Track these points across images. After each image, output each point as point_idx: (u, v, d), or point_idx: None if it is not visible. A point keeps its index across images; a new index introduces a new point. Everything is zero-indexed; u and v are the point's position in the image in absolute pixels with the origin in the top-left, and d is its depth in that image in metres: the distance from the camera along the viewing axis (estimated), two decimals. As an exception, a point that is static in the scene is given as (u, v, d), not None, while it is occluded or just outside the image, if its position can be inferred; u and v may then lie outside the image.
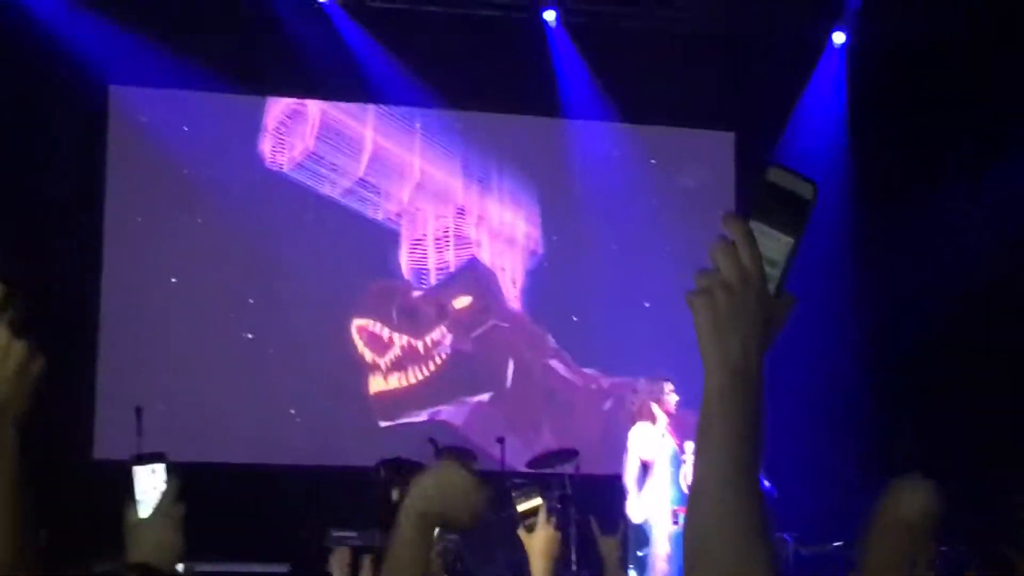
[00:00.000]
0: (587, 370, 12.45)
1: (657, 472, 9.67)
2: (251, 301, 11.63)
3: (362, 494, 9.76)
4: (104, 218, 11.49)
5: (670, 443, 9.76)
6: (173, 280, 10.69)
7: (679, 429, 9.78)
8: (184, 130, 11.67)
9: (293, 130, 11.95)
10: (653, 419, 9.72)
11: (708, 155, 12.74)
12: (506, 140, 12.39)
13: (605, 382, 12.36)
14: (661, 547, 9.67)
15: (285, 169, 11.90)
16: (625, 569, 9.57)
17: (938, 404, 11.46)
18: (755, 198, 1.62)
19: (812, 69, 12.51)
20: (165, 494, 2.97)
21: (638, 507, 9.73)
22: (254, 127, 11.91)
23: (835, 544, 9.86)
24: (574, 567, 10.46)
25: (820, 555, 9.95)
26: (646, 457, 9.68)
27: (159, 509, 2.95)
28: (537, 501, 4.28)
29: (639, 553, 9.73)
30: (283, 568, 10.07)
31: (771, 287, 1.60)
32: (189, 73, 11.36)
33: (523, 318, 12.43)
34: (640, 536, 9.74)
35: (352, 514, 9.58)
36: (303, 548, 10.17)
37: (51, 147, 11.15)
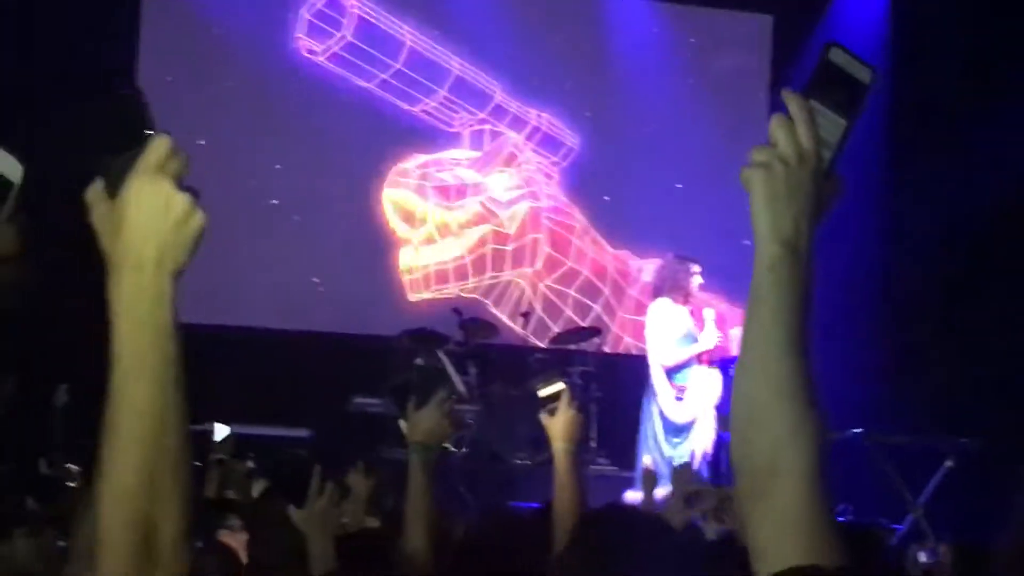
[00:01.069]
0: (619, 251, 12.43)
1: (684, 357, 9.58)
2: (278, 167, 11.59)
3: (385, 362, 9.81)
4: (137, 76, 11.44)
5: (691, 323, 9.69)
6: (201, 142, 10.65)
7: (698, 312, 9.74)
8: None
9: (332, 20, 11.80)
10: (677, 296, 9.63)
11: (746, 38, 12.60)
12: (543, 16, 12.25)
13: (635, 264, 12.35)
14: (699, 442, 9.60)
15: (321, 58, 11.79)
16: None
17: (961, 304, 11.41)
18: (813, 76, 1.62)
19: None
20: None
21: (672, 400, 9.61)
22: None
23: (854, 431, 9.89)
24: (593, 444, 10.54)
25: (840, 441, 9.98)
26: (668, 335, 9.60)
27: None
28: (559, 386, 4.41)
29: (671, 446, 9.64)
30: (304, 432, 10.18)
31: (822, 168, 1.62)
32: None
33: (557, 197, 12.40)
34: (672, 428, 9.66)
35: (375, 382, 9.66)
36: (325, 413, 10.29)
37: (85, 3, 11.07)
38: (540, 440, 9.97)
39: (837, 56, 1.62)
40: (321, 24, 11.78)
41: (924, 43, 11.82)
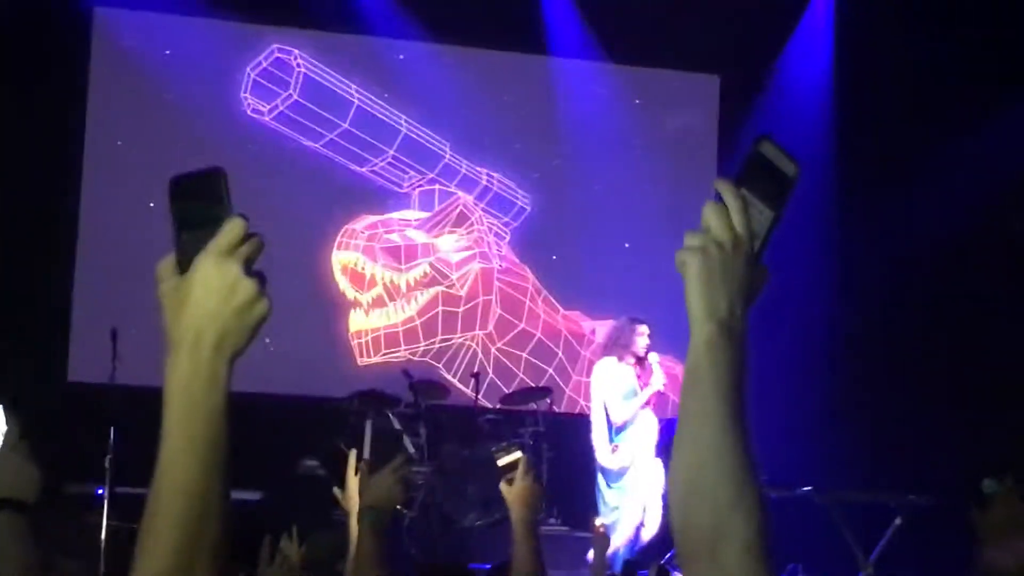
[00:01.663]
0: (571, 312, 12.46)
1: (631, 413, 9.63)
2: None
3: (336, 425, 9.77)
4: (85, 140, 11.43)
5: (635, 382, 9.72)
6: (151, 204, 10.63)
7: (646, 376, 9.76)
8: (167, 54, 11.58)
9: (277, 79, 11.84)
10: (623, 354, 9.67)
11: (693, 97, 12.72)
12: (491, 77, 12.33)
13: (588, 325, 12.38)
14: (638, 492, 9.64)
15: (267, 117, 11.81)
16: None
17: (909, 358, 11.51)
18: (744, 166, 1.68)
19: (801, 12, 12.43)
20: (8, 432, 3.03)
21: (608, 452, 9.68)
22: (240, 54, 11.82)
23: (804, 489, 9.91)
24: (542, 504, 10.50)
25: (788, 499, 10.00)
26: (611, 395, 9.62)
27: (6, 445, 2.99)
28: (517, 455, 4.45)
29: (611, 499, 9.67)
30: (254, 495, 10.10)
31: (753, 254, 1.68)
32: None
33: (508, 257, 12.43)
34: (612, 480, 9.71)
35: (324, 443, 9.59)
36: (275, 476, 10.21)
37: (34, 67, 11.05)
38: (492, 500, 10.04)
39: (767, 149, 1.68)
40: (267, 83, 11.81)
41: (868, 95, 12.01)
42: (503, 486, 4.42)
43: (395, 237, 12.04)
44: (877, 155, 11.90)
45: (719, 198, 1.66)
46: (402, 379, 10.83)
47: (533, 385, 11.70)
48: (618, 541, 9.28)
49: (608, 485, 9.59)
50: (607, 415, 9.59)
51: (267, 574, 3.97)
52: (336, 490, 4.13)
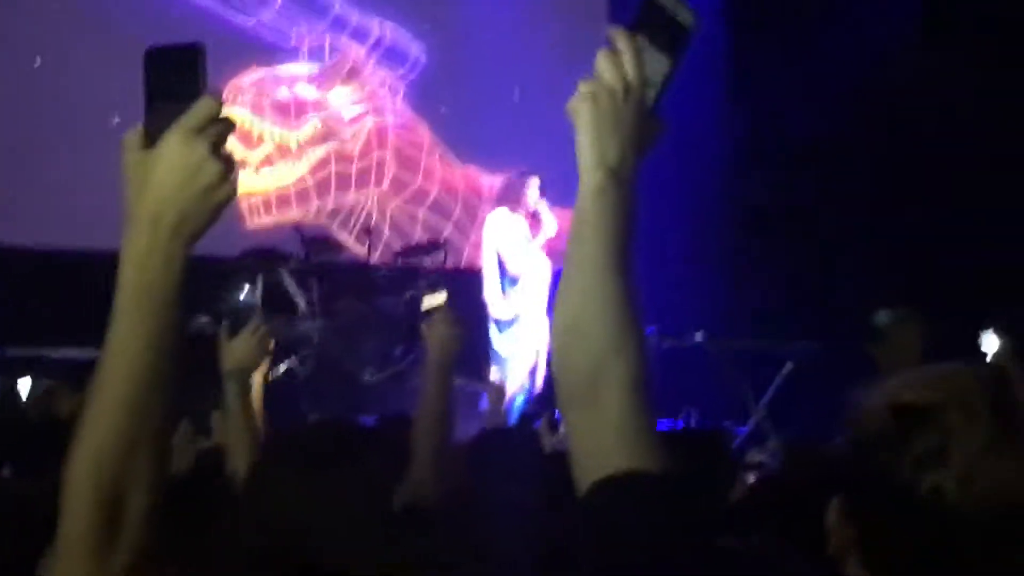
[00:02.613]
0: (468, 167, 12.34)
1: (522, 262, 9.64)
2: (117, 84, 11.25)
3: (226, 283, 9.68)
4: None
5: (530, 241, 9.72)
6: (38, 62, 10.32)
7: (536, 226, 9.77)
8: None
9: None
10: (514, 206, 9.68)
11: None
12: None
13: (487, 180, 12.26)
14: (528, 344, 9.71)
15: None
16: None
17: (808, 214, 11.58)
18: (639, 14, 1.67)
19: None
20: None
21: (500, 301, 9.72)
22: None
23: (697, 337, 10.06)
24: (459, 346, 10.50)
25: (681, 348, 10.14)
26: (504, 245, 9.64)
27: None
28: (442, 297, 4.54)
29: (503, 349, 9.74)
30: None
31: (648, 103, 1.69)
32: None
33: (403, 112, 12.25)
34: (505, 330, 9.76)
35: (218, 304, 9.50)
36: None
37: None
38: (388, 355, 10.03)
39: None
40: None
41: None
42: (424, 328, 4.45)
43: (283, 93, 11.79)
44: (769, 16, 11.75)
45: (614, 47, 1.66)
46: (295, 236, 10.71)
47: (423, 240, 11.61)
48: (512, 389, 9.35)
49: (500, 333, 9.65)
50: (501, 266, 9.61)
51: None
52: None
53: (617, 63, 1.64)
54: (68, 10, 10.96)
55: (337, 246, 10.93)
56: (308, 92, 11.90)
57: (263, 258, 10.24)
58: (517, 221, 9.64)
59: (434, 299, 4.56)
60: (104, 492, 1.59)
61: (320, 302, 10.32)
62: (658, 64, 1.67)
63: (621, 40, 1.65)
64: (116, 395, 1.60)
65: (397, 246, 11.58)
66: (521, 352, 9.64)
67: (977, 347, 5.44)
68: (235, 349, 4.22)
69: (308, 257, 10.53)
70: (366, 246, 11.16)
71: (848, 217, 11.25)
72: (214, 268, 10.26)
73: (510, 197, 9.71)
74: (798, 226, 11.43)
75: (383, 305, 10.31)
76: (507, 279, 9.67)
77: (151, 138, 1.63)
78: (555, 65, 11.43)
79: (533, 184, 9.65)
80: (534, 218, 9.68)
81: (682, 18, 1.67)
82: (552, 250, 9.75)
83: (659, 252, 11.04)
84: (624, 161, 1.65)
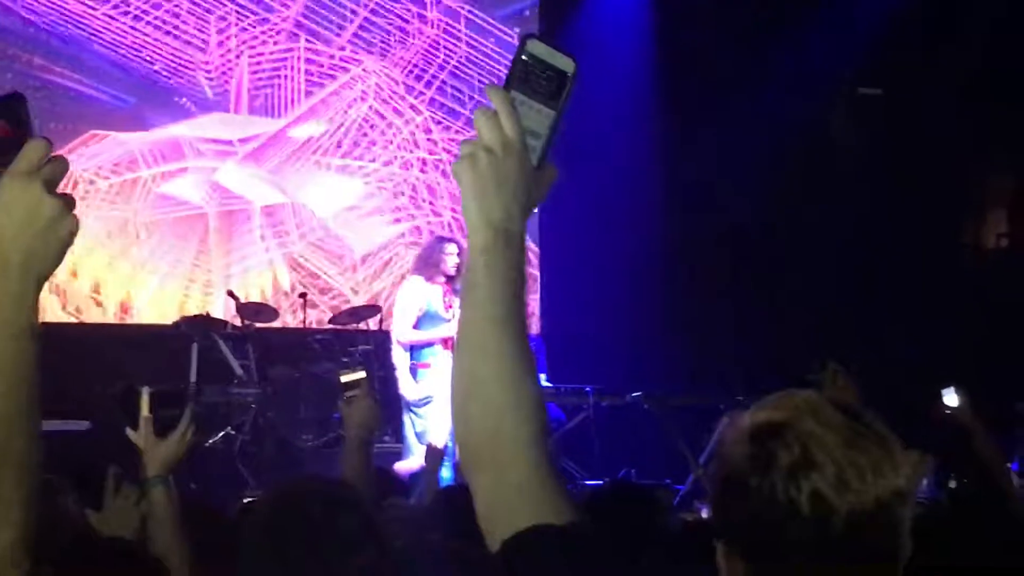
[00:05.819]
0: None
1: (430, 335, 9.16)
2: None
3: (163, 350, 9.63)
4: None
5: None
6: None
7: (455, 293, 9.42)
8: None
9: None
10: (432, 274, 9.15)
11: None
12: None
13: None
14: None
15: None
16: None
17: (736, 267, 11.65)
18: (513, 69, 1.67)
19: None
20: None
21: (408, 381, 9.04)
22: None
23: (634, 395, 10.08)
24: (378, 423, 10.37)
25: (619, 406, 10.17)
26: (412, 306, 9.09)
27: None
28: (361, 374, 4.50)
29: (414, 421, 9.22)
30: (83, 425, 9.86)
31: (533, 158, 1.68)
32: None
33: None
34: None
35: (154, 371, 9.40)
36: (102, 406, 9.97)
37: None
38: (325, 421, 9.93)
39: (536, 48, 1.68)
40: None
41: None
42: (342, 404, 4.44)
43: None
44: (701, 60, 11.79)
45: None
46: (229, 302, 10.65)
47: (359, 304, 11.48)
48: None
49: (408, 414, 9.02)
50: (412, 346, 9.15)
51: (115, 506, 3.80)
52: (129, 430, 3.88)
53: (494, 122, 1.65)
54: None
55: (272, 311, 10.84)
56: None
57: (199, 325, 10.18)
58: (431, 291, 9.07)
59: (352, 375, 4.53)
60: None
61: (257, 368, 10.25)
62: (540, 115, 1.68)
63: (496, 97, 1.66)
64: None
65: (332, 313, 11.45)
66: (438, 426, 8.97)
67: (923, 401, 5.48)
68: (161, 453, 3.71)
69: (243, 323, 10.46)
70: (301, 310, 11.10)
71: (783, 274, 11.36)
72: (151, 335, 10.24)
73: (429, 264, 9.13)
74: (736, 282, 11.51)
75: (319, 370, 10.21)
76: (418, 352, 9.11)
77: None
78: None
79: (451, 251, 9.12)
80: (452, 287, 9.07)
81: (561, 65, 1.67)
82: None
83: (596, 311, 11.10)
84: (510, 218, 1.65)
